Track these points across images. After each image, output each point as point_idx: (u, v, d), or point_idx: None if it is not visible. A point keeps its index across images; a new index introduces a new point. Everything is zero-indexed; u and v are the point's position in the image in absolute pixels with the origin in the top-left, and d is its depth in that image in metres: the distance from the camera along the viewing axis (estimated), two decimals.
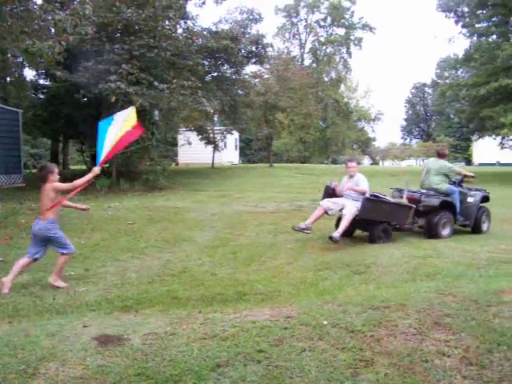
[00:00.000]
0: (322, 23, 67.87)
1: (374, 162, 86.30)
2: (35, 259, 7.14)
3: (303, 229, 10.10)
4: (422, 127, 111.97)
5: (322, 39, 68.36)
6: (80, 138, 24.45)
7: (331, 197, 10.54)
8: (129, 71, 17.45)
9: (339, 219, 10.20)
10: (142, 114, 20.26)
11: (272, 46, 29.60)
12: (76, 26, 13.45)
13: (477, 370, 3.76)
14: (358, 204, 9.90)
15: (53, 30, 14.13)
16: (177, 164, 33.16)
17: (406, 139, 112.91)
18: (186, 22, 22.89)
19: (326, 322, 4.63)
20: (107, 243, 10.05)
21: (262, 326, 4.59)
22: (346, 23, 66.48)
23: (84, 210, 8.12)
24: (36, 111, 24.78)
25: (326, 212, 10.21)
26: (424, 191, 11.32)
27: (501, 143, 33.30)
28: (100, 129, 7.68)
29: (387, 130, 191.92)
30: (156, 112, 20.96)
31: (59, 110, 22.12)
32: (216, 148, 31.98)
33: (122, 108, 18.69)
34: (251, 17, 25.49)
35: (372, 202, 10.19)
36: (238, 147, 47.56)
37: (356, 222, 10.22)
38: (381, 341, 4.24)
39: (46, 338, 4.42)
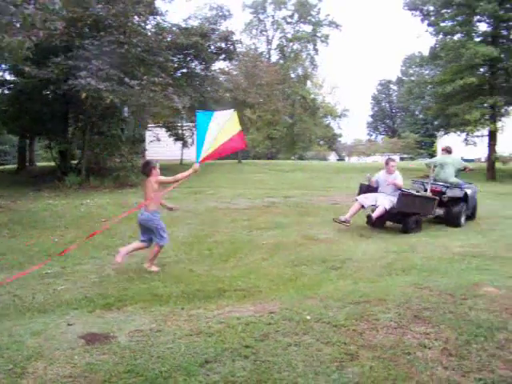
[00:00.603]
0: (289, 20, 67.88)
1: (341, 158, 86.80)
2: (146, 246, 8.12)
3: (343, 221, 11.07)
4: (387, 123, 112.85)
5: (289, 36, 68.38)
6: (48, 135, 24.06)
7: (365, 193, 11.73)
8: (99, 67, 17.29)
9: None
10: (111, 111, 20.20)
11: (241, 42, 29.60)
12: (45, 21, 13.28)
13: (457, 360, 3.92)
14: (393, 198, 11.09)
15: (18, 25, 13.90)
16: None
17: (371, 135, 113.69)
18: (155, 18, 22.78)
19: (309, 317, 4.74)
20: (82, 241, 9.99)
21: (246, 321, 4.68)
22: (313, 20, 66.57)
23: (172, 209, 8.83)
24: (1, 107, 24.38)
25: (362, 206, 11.33)
26: (441, 184, 12.50)
27: (465, 140, 33.79)
28: (199, 121, 7.82)
29: (353, 127, 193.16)
30: (125, 109, 20.84)
31: (27, 107, 21.77)
32: (185, 144, 31.84)
33: (92, 105, 18.71)
34: (220, 13, 25.47)
35: (408, 197, 11.36)
36: None
37: (389, 215, 11.34)
38: (364, 334, 4.37)
39: (31, 337, 4.44)
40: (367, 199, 11.41)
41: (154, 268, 7.97)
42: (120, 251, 7.91)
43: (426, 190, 12.32)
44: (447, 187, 12.26)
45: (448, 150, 13.43)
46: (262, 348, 4.11)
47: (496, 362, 3.90)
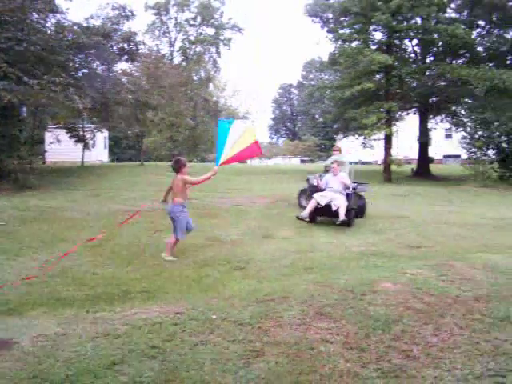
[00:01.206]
0: (192, 22, 67.65)
1: (243, 161, 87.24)
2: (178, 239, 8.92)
3: (304, 218, 12.36)
4: (288, 127, 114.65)
5: (192, 38, 68.22)
6: None
7: (314, 192, 12.87)
8: None
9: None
10: (9, 111, 19.49)
11: (144, 43, 29.33)
12: None
13: (357, 353, 4.13)
14: (343, 196, 12.45)
15: None
16: (44, 162, 31.95)
17: (273, 138, 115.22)
18: (55, 16, 22.11)
19: (214, 317, 4.83)
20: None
21: (153, 322, 4.70)
22: (216, 23, 66.70)
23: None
24: None
25: (318, 203, 12.30)
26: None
27: (363, 143, 34.95)
28: (220, 127, 8.71)
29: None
30: (24, 109, 20.18)
31: None
32: (86, 146, 31.19)
33: None
34: (123, 13, 25.09)
35: (355, 195, 13.23)
36: (107, 145, 46.60)
37: (320, 210, 12.49)
38: (269, 332, 4.50)
39: None
40: (324, 198, 12.36)
41: (170, 257, 8.70)
42: (167, 242, 9.02)
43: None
44: (360, 185, 13.61)
45: (340, 150, 14.59)
46: (169, 348, 4.16)
47: (393, 352, 4.15)
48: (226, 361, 3.96)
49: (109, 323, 4.76)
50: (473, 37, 31.33)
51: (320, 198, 12.32)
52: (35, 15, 19.42)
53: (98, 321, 4.86)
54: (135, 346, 4.20)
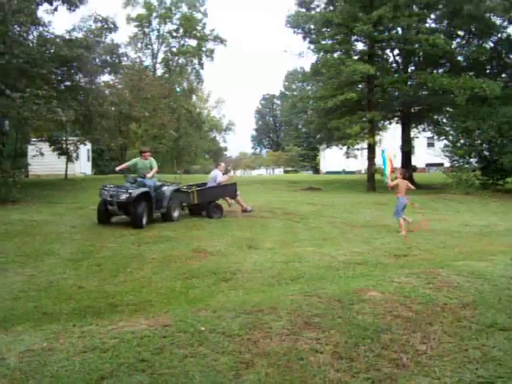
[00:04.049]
0: (175, 34, 67.79)
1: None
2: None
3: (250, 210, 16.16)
4: (271, 137, 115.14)
5: (175, 50, 68.33)
6: None
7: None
8: None
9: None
10: None
11: (127, 55, 29.29)
12: None
13: (347, 362, 4.13)
14: None
15: None
16: (27, 176, 31.76)
17: (256, 149, 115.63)
18: (37, 29, 22.06)
19: (203, 328, 4.80)
20: None
21: (141, 335, 4.66)
22: (198, 35, 66.84)
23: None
24: None
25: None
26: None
27: (346, 152, 35.16)
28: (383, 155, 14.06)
29: (238, 140, 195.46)
30: (6, 122, 20.06)
31: None
32: (69, 159, 31.05)
33: None
34: (106, 26, 25.03)
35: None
36: (90, 158, 46.43)
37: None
38: (258, 343, 4.48)
39: None
40: None
41: None
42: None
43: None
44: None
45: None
46: (158, 361, 4.11)
47: (382, 361, 4.15)
48: (215, 373, 3.93)
49: (96, 337, 4.71)
50: (453, 46, 31.79)
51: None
52: (17, 28, 19.34)
53: (86, 335, 4.81)
54: (124, 359, 4.14)
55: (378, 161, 14.65)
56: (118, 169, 14.86)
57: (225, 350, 4.34)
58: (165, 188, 14.60)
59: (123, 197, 12.85)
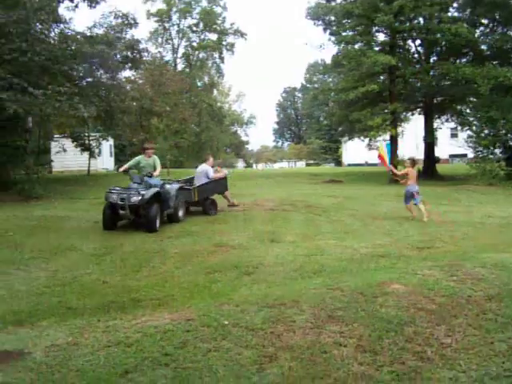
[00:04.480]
0: (195, 28, 67.97)
1: (248, 165, 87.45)
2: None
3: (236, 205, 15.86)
4: (293, 130, 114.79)
5: (195, 44, 68.48)
6: None
7: None
8: (0, 76, 16.69)
9: None
10: (14, 121, 19.55)
11: (147, 50, 29.37)
12: None
13: (370, 356, 4.09)
14: None
15: None
16: (50, 172, 32.02)
17: (278, 142, 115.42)
18: (59, 26, 22.19)
19: (226, 322, 4.79)
20: None
21: (164, 330, 4.67)
22: (218, 29, 66.95)
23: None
24: None
25: None
26: None
27: (368, 145, 34.93)
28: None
29: (260, 134, 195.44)
30: (29, 119, 20.22)
31: None
32: (92, 155, 31.24)
33: None
34: (126, 22, 25.11)
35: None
36: (112, 153, 46.69)
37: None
38: (281, 336, 4.47)
39: None
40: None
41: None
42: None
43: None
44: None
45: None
46: (182, 355, 4.12)
47: (406, 354, 4.12)
48: (239, 367, 3.93)
49: (120, 331, 4.73)
50: (476, 35, 31.28)
51: None
52: (39, 26, 19.45)
53: (110, 329, 4.84)
54: (148, 353, 4.16)
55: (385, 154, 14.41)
56: (121, 170, 13.89)
57: (248, 343, 4.33)
58: (169, 186, 13.64)
59: (136, 199, 11.93)
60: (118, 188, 12.57)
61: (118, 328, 4.86)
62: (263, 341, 4.38)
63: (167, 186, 13.48)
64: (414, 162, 14.59)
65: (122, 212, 12.12)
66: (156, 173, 12.91)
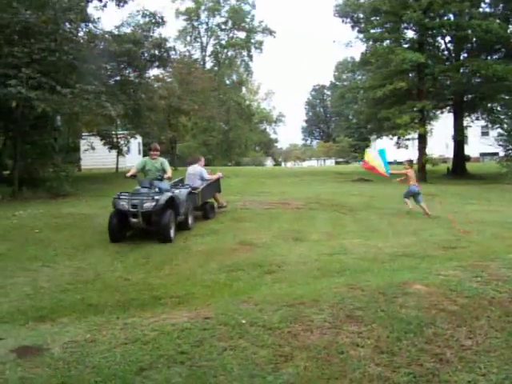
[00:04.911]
0: (223, 26, 68.26)
1: (277, 163, 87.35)
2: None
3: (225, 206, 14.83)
4: (322, 128, 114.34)
5: (223, 42, 68.70)
6: None
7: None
8: (29, 75, 16.86)
9: None
10: (43, 120, 19.77)
11: (175, 49, 29.46)
12: None
13: (388, 357, 4.03)
14: None
15: None
16: (79, 170, 32.37)
17: (306, 140, 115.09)
18: (87, 25, 22.39)
19: (244, 321, 4.77)
20: (14, 253, 9.77)
21: (181, 328, 4.67)
22: (247, 27, 67.11)
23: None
24: None
25: None
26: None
27: (397, 143, 34.67)
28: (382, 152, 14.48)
29: (289, 132, 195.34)
30: (58, 117, 20.41)
31: None
32: (120, 153, 31.45)
33: (23, 114, 18.31)
34: (154, 20, 25.22)
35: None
36: (141, 151, 47.01)
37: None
38: (298, 336, 4.43)
39: None
40: None
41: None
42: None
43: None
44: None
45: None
46: (198, 353, 4.11)
47: (424, 356, 4.04)
48: (254, 366, 3.91)
49: (138, 329, 4.75)
50: (508, 31, 30.75)
51: None
52: (67, 25, 19.61)
53: (128, 327, 4.86)
54: (164, 351, 4.17)
55: (378, 160, 13.83)
56: (128, 175, 12.12)
57: (264, 343, 4.31)
58: (178, 191, 12.30)
59: (149, 205, 10.69)
60: (127, 193, 11.26)
61: (135, 325, 4.88)
62: (280, 340, 4.35)
63: (176, 191, 12.18)
64: (411, 163, 15.82)
65: (133, 220, 10.83)
66: (168, 175, 11.94)
